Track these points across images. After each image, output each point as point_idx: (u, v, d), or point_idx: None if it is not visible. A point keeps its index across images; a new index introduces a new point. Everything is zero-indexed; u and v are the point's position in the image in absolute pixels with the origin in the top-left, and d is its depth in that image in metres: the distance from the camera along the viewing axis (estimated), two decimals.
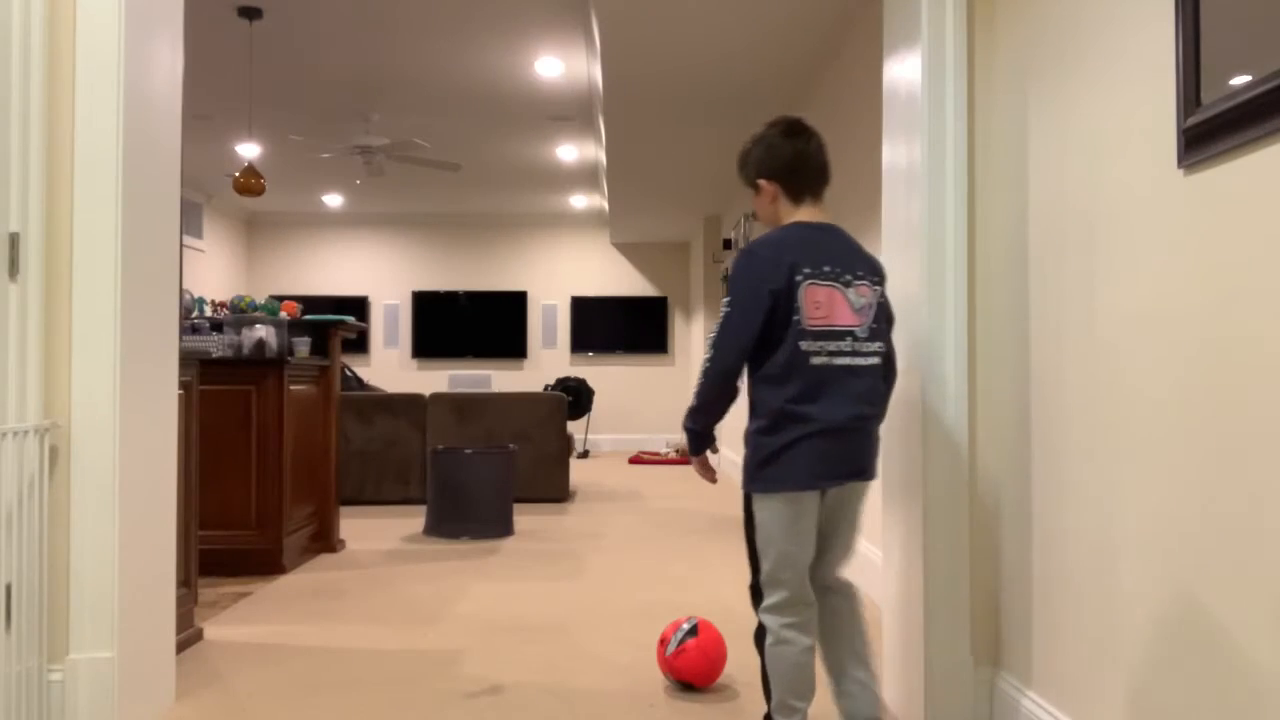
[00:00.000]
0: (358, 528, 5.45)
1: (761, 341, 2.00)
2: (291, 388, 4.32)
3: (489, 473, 5.31)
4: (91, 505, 2.23)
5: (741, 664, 2.71)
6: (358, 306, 11.17)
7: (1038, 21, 2.10)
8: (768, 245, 2.05)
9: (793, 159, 2.13)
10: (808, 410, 1.98)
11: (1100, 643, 1.84)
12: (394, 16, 5.31)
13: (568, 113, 7.14)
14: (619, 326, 11.44)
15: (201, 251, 10.11)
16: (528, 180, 9.50)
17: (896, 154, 2.60)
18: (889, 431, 2.61)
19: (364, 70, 6.22)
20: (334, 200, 10.67)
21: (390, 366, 11.32)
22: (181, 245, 2.75)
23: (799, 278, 1.99)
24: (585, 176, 9.29)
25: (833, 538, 2.12)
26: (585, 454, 10.58)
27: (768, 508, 2.03)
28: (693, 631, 2.65)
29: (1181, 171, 1.55)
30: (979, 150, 2.36)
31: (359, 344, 11.13)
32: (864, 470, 2.09)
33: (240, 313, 4.57)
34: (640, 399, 11.39)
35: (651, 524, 5.71)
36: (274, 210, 11.12)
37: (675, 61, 4.92)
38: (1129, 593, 1.73)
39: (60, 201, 2.24)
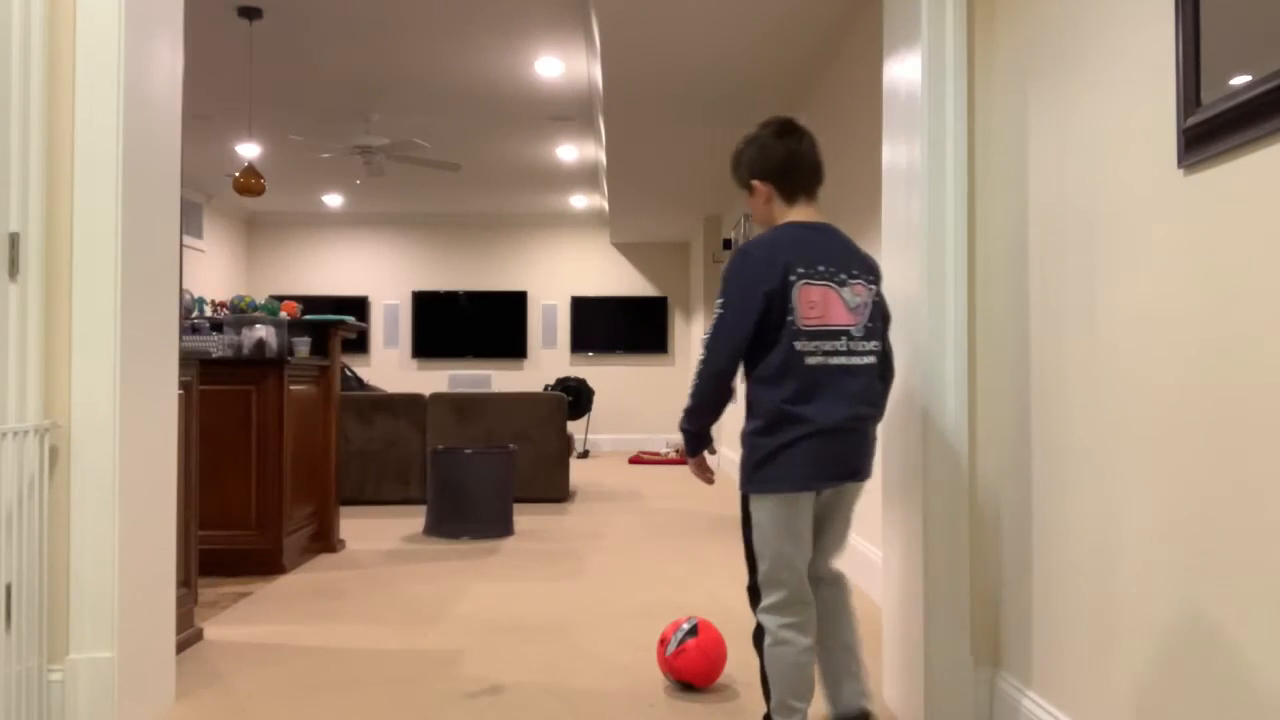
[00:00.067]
0: (358, 528, 5.45)
1: (756, 342, 2.00)
2: (291, 388, 4.32)
3: (489, 473, 5.31)
4: (91, 505, 2.23)
5: (741, 664, 2.71)
6: (358, 306, 11.17)
7: (1038, 21, 2.10)
8: (761, 246, 2.05)
9: (785, 159, 2.13)
10: (803, 411, 1.98)
11: (1100, 643, 1.84)
12: (394, 17, 5.32)
13: (568, 113, 7.14)
14: (619, 326, 11.44)
15: (201, 251, 10.11)
16: (528, 180, 9.50)
17: (896, 154, 2.60)
18: (889, 431, 2.61)
19: (364, 70, 6.22)
20: (334, 200, 10.67)
21: (390, 366, 11.32)
22: (181, 245, 2.75)
23: (793, 278, 1.99)
24: (585, 176, 9.29)
25: (826, 533, 2.13)
26: (585, 454, 10.58)
27: (764, 508, 2.04)
28: (693, 631, 2.65)
29: (1181, 171, 1.55)
30: (979, 150, 2.36)
31: (359, 344, 11.13)
32: (859, 471, 2.09)
33: (240, 313, 4.57)
34: (640, 399, 11.40)
35: (651, 524, 5.71)
36: (274, 210, 11.12)
37: (675, 61, 4.92)
38: (1129, 593, 1.73)
39: (60, 201, 2.24)
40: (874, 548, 3.72)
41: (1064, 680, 1.99)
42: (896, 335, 2.30)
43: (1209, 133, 1.46)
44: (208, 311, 4.87)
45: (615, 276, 11.53)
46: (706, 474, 2.23)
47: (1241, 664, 1.42)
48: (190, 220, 9.63)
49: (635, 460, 9.81)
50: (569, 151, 8.33)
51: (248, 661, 2.94)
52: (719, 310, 2.03)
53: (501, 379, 11.32)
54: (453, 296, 11.38)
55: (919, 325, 2.40)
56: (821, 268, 2.02)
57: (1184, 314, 1.55)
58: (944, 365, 2.36)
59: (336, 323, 4.88)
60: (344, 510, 5.68)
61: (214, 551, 3.95)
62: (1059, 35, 2.00)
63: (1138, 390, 1.69)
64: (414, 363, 11.38)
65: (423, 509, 5.82)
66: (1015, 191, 2.21)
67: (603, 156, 7.62)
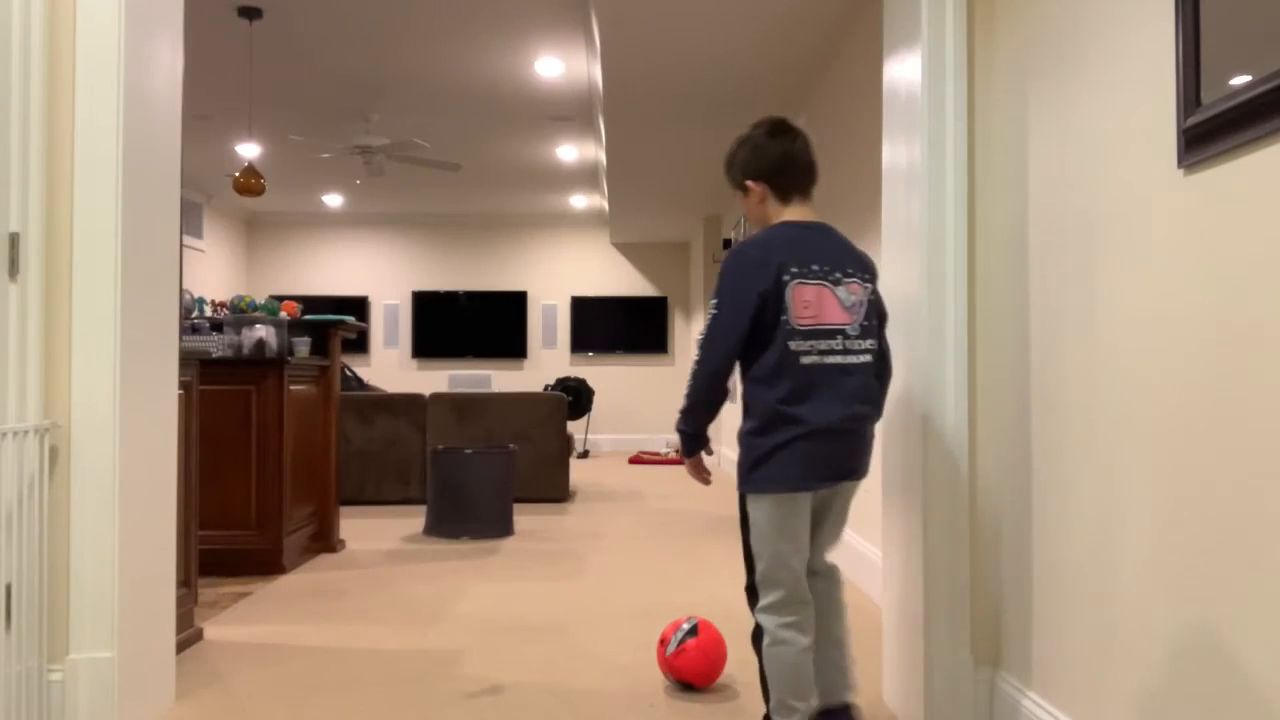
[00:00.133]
0: (358, 528, 5.45)
1: (751, 342, 2.00)
2: (291, 388, 4.32)
3: (489, 473, 5.31)
4: (91, 505, 2.23)
5: (741, 664, 2.71)
6: (358, 306, 11.17)
7: (1038, 21, 2.10)
8: (755, 246, 2.05)
9: (779, 159, 2.13)
10: (798, 411, 1.98)
11: (1101, 642, 1.84)
12: (394, 16, 5.32)
13: (568, 113, 7.14)
14: (619, 326, 11.44)
15: (201, 251, 10.11)
16: (528, 180, 9.50)
17: (896, 154, 2.60)
18: (889, 431, 2.61)
19: (364, 70, 6.22)
20: (334, 200, 10.67)
21: (390, 366, 11.32)
22: (181, 245, 2.75)
23: (786, 278, 1.99)
24: (585, 176, 9.29)
25: (821, 527, 2.13)
26: (585, 454, 10.58)
27: (760, 508, 2.04)
28: (693, 631, 2.65)
29: (1181, 171, 1.55)
30: (979, 150, 2.36)
31: (359, 344, 11.13)
32: (856, 470, 2.09)
33: (240, 313, 4.57)
34: (640, 399, 11.40)
35: (651, 524, 5.71)
36: (274, 210, 11.12)
37: (675, 61, 4.93)
38: (1129, 592, 1.73)
39: (60, 201, 2.24)
40: (874, 548, 3.72)
41: (1064, 680, 1.99)
42: (896, 335, 2.30)
43: (1209, 133, 1.46)
44: (208, 311, 4.87)
45: (615, 276, 11.53)
46: (703, 474, 2.24)
47: (1242, 663, 1.42)
48: (190, 220, 9.63)
49: (635, 460, 9.81)
50: (569, 151, 8.33)
51: (248, 661, 2.94)
52: (713, 310, 2.03)
53: (501, 379, 11.32)
54: (453, 296, 11.38)
55: (919, 325, 2.40)
56: (816, 267, 2.02)
57: (1184, 314, 1.55)
58: (944, 365, 2.36)
59: (336, 323, 4.88)
60: (344, 510, 5.68)
61: (214, 551, 3.95)
62: (1059, 35, 2.00)
63: (1138, 390, 1.69)
64: (414, 363, 11.38)
65: (423, 509, 5.82)
66: (1015, 191, 2.21)
67: (603, 156, 7.62)
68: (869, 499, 3.31)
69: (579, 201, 10.58)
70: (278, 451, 4.20)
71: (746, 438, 2.05)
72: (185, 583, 3.07)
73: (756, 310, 1.98)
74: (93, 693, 2.23)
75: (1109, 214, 1.79)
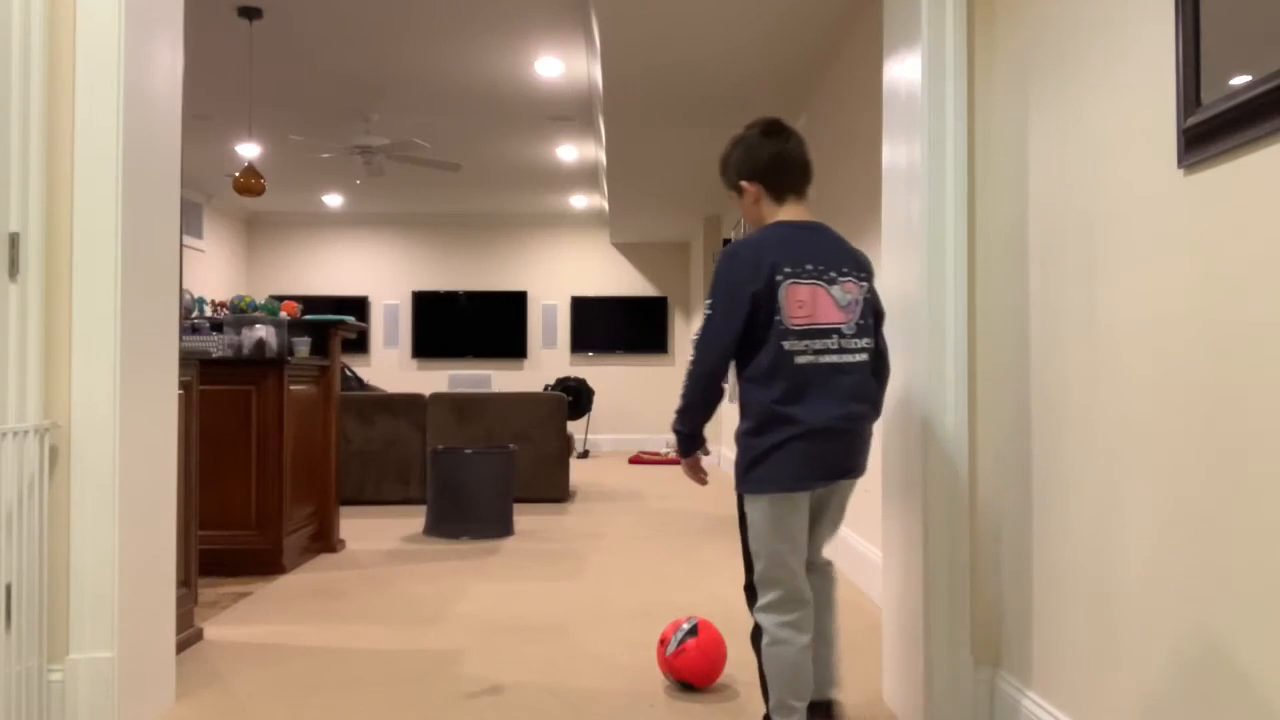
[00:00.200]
0: (358, 528, 5.45)
1: (745, 342, 2.01)
2: (291, 388, 4.32)
3: (489, 473, 5.32)
4: (91, 505, 2.23)
5: (741, 664, 2.71)
6: (358, 306, 11.17)
7: (1038, 21, 2.10)
8: (748, 246, 2.06)
9: (773, 159, 2.13)
10: (793, 411, 1.98)
11: (1101, 642, 1.84)
12: (394, 16, 5.32)
13: (568, 113, 7.14)
14: (619, 326, 11.44)
15: (201, 251, 10.11)
16: (528, 180, 9.50)
17: (896, 154, 2.60)
18: (889, 431, 2.61)
19: (364, 70, 6.22)
20: (334, 200, 10.67)
21: (390, 366, 11.32)
22: (181, 245, 2.75)
23: (779, 278, 1.99)
24: (585, 176, 9.29)
25: (819, 525, 2.13)
26: (585, 454, 10.58)
27: (758, 508, 2.04)
28: (693, 631, 2.65)
29: (1181, 171, 1.55)
30: (979, 150, 2.36)
31: (359, 344, 11.13)
32: (853, 469, 2.09)
33: (240, 313, 4.57)
34: (640, 399, 11.40)
35: (651, 524, 5.71)
36: (274, 210, 11.12)
37: (675, 61, 4.93)
38: (1129, 592, 1.73)
39: (60, 201, 2.24)
40: (874, 547, 3.72)
41: (1064, 680, 1.99)
42: (896, 335, 2.30)
43: (1209, 133, 1.46)
44: (208, 311, 4.87)
45: (615, 276, 11.53)
46: (700, 474, 2.24)
47: (1242, 663, 1.42)
48: (190, 220, 9.63)
49: (635, 460, 9.81)
50: (569, 151, 8.33)
51: (248, 661, 2.94)
52: (707, 311, 2.04)
53: (501, 379, 11.32)
54: (453, 296, 11.38)
55: (919, 325, 2.40)
56: (810, 266, 2.02)
57: (1184, 313, 1.55)
58: (944, 365, 2.36)
59: (336, 323, 4.88)
60: (344, 510, 5.68)
61: (214, 551, 3.95)
62: (1059, 35, 2.00)
63: (1138, 390, 1.69)
64: (414, 363, 11.38)
65: (423, 509, 5.82)
66: (1015, 191, 2.21)
67: (603, 156, 7.62)
68: (869, 499, 3.31)
69: (579, 201, 10.58)
70: (278, 451, 4.20)
71: (743, 438, 2.05)
72: (185, 583, 3.07)
73: (749, 311, 1.98)
74: (93, 693, 2.23)
75: (1109, 214, 1.79)
